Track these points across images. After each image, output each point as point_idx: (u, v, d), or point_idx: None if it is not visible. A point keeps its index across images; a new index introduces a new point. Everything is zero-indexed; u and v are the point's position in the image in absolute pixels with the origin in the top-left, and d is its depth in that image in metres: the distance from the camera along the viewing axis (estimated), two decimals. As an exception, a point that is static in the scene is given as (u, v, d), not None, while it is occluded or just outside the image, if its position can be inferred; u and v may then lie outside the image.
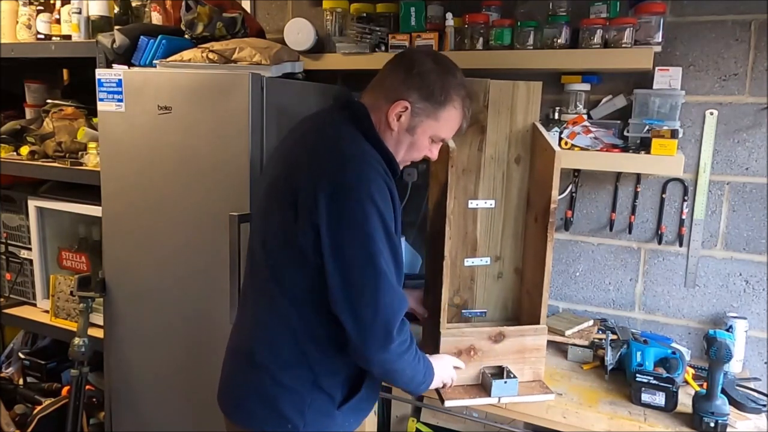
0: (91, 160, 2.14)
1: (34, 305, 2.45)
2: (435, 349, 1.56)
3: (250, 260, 1.40)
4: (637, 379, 1.55)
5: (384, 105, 1.32)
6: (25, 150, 2.33)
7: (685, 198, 1.86)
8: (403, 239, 2.15)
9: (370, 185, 1.18)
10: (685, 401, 1.54)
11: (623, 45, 1.67)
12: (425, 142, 1.36)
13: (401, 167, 1.39)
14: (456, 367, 1.52)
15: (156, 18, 2.19)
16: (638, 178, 1.91)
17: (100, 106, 1.90)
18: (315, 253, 1.20)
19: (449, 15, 1.90)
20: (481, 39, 1.85)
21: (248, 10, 2.38)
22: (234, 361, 1.40)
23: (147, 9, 2.24)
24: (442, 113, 1.33)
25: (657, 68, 1.77)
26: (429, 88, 1.30)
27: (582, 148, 1.75)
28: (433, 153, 1.41)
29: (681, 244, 1.89)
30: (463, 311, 1.79)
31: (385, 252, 1.19)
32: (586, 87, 1.88)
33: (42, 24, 2.37)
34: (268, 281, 1.31)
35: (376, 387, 1.45)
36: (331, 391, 1.31)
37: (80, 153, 2.21)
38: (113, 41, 1.98)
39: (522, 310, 1.76)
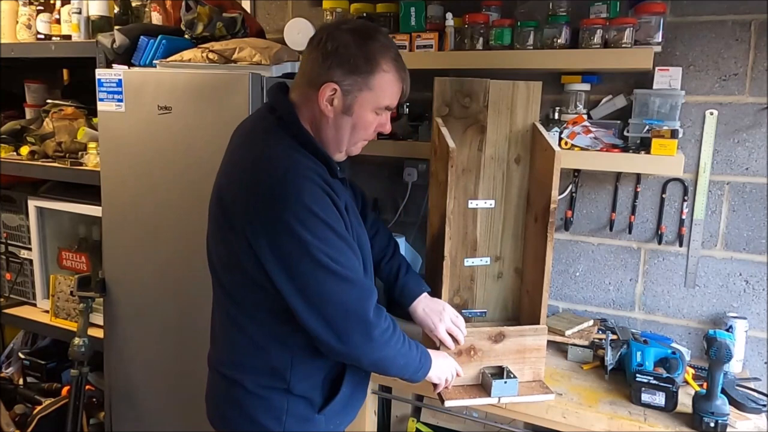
0: (91, 160, 2.14)
1: (34, 305, 2.45)
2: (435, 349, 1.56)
3: (211, 273, 1.36)
4: (637, 379, 1.55)
5: (312, 94, 1.23)
6: (25, 150, 2.33)
7: (685, 198, 1.86)
8: (402, 239, 2.15)
9: (303, 198, 1.13)
10: (685, 401, 1.54)
11: (623, 45, 1.67)
12: (369, 118, 1.26)
13: (356, 150, 1.34)
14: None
15: (156, 18, 2.19)
16: (638, 178, 1.91)
17: (100, 106, 1.90)
18: (261, 275, 1.17)
19: (449, 15, 1.90)
20: (481, 39, 1.85)
21: (248, 10, 2.38)
22: (211, 374, 1.39)
23: (147, 9, 2.24)
24: (373, 82, 1.22)
25: (657, 68, 1.77)
26: (351, 61, 1.20)
27: (582, 148, 1.75)
28: (386, 126, 1.31)
29: (681, 244, 1.89)
30: (463, 311, 1.79)
31: (334, 254, 1.15)
32: (586, 87, 1.88)
33: (42, 24, 2.37)
34: (225, 297, 1.30)
35: (360, 386, 1.41)
36: (308, 395, 1.28)
37: (80, 153, 2.21)
38: (113, 41, 1.98)
39: (522, 310, 1.76)
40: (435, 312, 1.51)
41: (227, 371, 1.32)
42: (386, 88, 1.25)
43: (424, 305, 1.52)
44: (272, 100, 1.30)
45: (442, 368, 1.42)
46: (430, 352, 1.40)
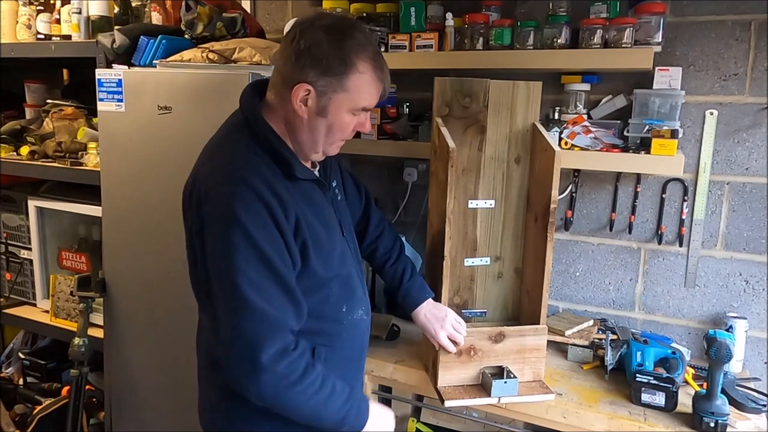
0: (91, 160, 2.14)
1: (34, 305, 2.45)
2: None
3: None
4: (637, 379, 1.55)
5: (286, 93, 1.17)
6: (25, 150, 2.33)
7: (685, 198, 1.86)
8: (402, 239, 2.14)
9: (235, 209, 1.09)
10: (685, 401, 1.54)
11: (623, 45, 1.67)
12: (345, 119, 1.21)
13: (334, 150, 1.28)
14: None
15: (156, 18, 2.19)
16: (638, 178, 1.91)
17: (100, 106, 1.90)
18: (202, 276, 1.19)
19: (449, 15, 1.90)
20: (481, 39, 1.85)
21: (248, 10, 2.37)
22: (198, 377, 1.38)
23: (147, 9, 2.24)
24: (348, 83, 1.16)
25: (657, 68, 1.77)
26: (324, 62, 1.14)
27: (582, 148, 1.75)
28: (365, 125, 1.26)
29: (681, 244, 1.89)
30: (463, 311, 1.79)
31: (250, 273, 1.09)
32: (586, 87, 1.88)
33: (42, 24, 2.37)
34: (197, 300, 1.30)
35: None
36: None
37: (80, 153, 2.21)
38: (113, 41, 1.98)
39: (522, 310, 1.76)
40: (437, 319, 1.52)
41: (206, 372, 1.32)
42: (363, 89, 1.19)
43: (427, 311, 1.53)
44: (241, 98, 1.27)
45: (380, 427, 1.31)
46: (373, 407, 1.29)
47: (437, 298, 1.58)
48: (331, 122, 1.20)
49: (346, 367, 1.33)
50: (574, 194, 2.00)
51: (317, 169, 1.33)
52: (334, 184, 1.37)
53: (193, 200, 1.18)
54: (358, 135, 1.81)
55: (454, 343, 1.53)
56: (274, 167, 1.18)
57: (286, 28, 2.05)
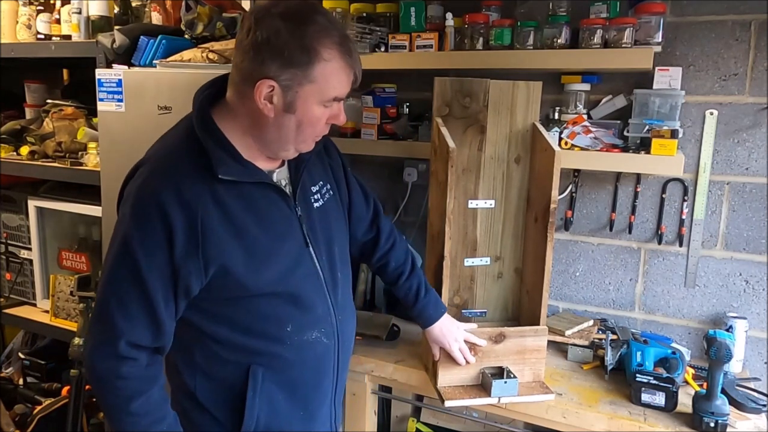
0: (91, 160, 2.14)
1: (34, 305, 2.45)
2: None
3: None
4: (637, 379, 1.55)
5: (248, 91, 1.08)
6: (25, 150, 2.33)
7: (685, 198, 1.86)
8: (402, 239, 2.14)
9: (129, 209, 1.08)
10: (685, 401, 1.54)
11: (623, 45, 1.67)
12: (316, 113, 1.11)
13: (309, 147, 1.18)
14: None
15: (156, 18, 2.19)
16: (638, 178, 1.91)
17: (100, 106, 1.90)
18: None
19: (449, 15, 1.90)
20: (481, 39, 1.85)
21: (248, 10, 2.37)
22: None
23: (147, 9, 2.24)
24: (314, 73, 1.06)
25: (657, 68, 1.77)
26: (286, 53, 1.04)
27: (582, 148, 1.75)
28: (338, 117, 1.15)
29: (681, 244, 1.89)
30: (463, 311, 1.79)
31: (119, 285, 1.08)
32: (586, 87, 1.88)
33: (42, 24, 2.37)
34: None
35: (302, 419, 1.25)
36: (216, 414, 1.20)
37: (80, 153, 2.21)
38: (113, 41, 1.98)
39: (522, 310, 1.76)
40: (451, 334, 1.52)
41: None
42: (330, 78, 1.08)
43: (442, 326, 1.52)
44: (194, 95, 1.18)
45: None
46: None
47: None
48: (300, 118, 1.10)
49: (298, 392, 1.24)
50: (574, 194, 2.00)
51: (283, 167, 1.23)
52: (313, 189, 1.27)
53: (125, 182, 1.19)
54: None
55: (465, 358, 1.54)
56: (201, 166, 1.09)
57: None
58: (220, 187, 1.09)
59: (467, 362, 1.54)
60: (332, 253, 1.28)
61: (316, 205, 1.26)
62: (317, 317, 1.23)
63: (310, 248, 1.22)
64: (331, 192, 1.33)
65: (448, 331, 1.52)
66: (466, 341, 1.54)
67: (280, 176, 1.22)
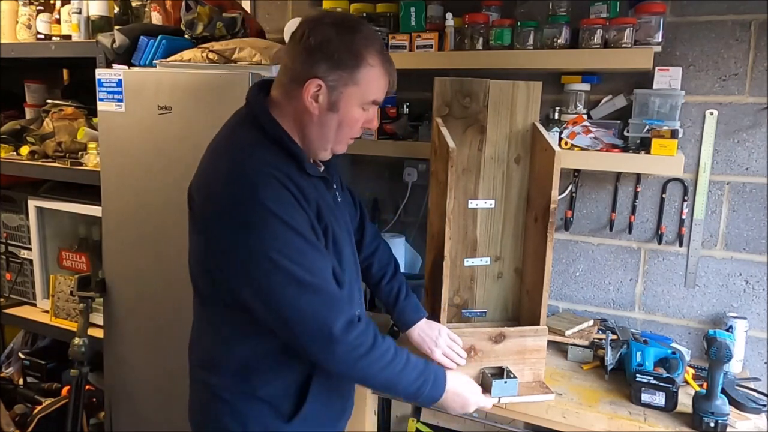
0: (91, 160, 2.14)
1: (34, 305, 2.45)
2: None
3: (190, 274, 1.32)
4: (637, 379, 1.55)
5: (296, 90, 1.17)
6: (25, 150, 2.33)
7: (685, 198, 1.86)
8: (402, 239, 2.15)
9: (264, 199, 1.09)
10: (685, 401, 1.54)
11: (623, 45, 1.67)
12: (355, 114, 1.21)
13: (342, 149, 1.27)
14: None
15: (156, 18, 2.19)
16: (638, 178, 1.91)
17: (100, 106, 1.90)
18: (224, 275, 1.16)
19: (449, 15, 1.90)
20: (481, 39, 1.85)
21: (248, 10, 2.37)
22: (190, 378, 1.37)
23: (147, 9, 2.24)
24: (359, 76, 1.17)
25: (657, 68, 1.77)
26: (336, 56, 1.15)
27: (582, 148, 1.75)
28: (372, 121, 1.26)
29: (681, 244, 1.89)
30: (463, 311, 1.79)
31: (295, 256, 1.10)
32: (586, 87, 1.88)
33: (42, 24, 2.37)
34: (198, 296, 1.28)
35: (335, 395, 1.33)
36: (274, 402, 1.23)
37: (80, 153, 2.21)
38: (113, 41, 1.98)
39: (522, 310, 1.76)
40: (430, 338, 1.52)
41: (198, 372, 1.30)
42: (372, 83, 1.19)
43: (420, 330, 1.53)
44: (248, 95, 1.26)
45: (458, 401, 1.33)
46: (451, 378, 1.31)
47: (437, 298, 1.58)
48: (341, 118, 1.20)
49: (337, 379, 1.33)
50: (574, 194, 2.00)
51: (321, 168, 1.33)
52: (335, 186, 1.36)
53: (206, 199, 1.16)
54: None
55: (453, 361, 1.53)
56: (287, 163, 1.17)
57: (288, 28, 2.06)
58: (300, 180, 1.17)
59: (457, 364, 1.53)
60: (353, 242, 1.40)
61: (339, 200, 1.37)
62: (357, 298, 1.35)
63: (348, 237, 1.35)
64: (341, 189, 1.43)
65: (427, 335, 1.52)
66: (465, 347, 1.54)
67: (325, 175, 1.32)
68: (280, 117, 1.21)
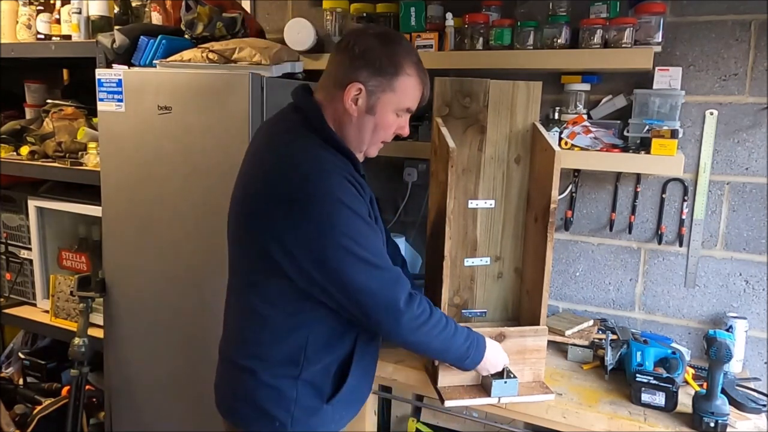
0: (91, 160, 2.14)
1: (34, 305, 2.45)
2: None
3: (230, 264, 1.39)
4: (637, 379, 1.55)
5: (338, 93, 1.28)
6: (25, 150, 2.33)
7: (685, 198, 1.86)
8: (402, 239, 2.15)
9: (334, 191, 1.19)
10: (685, 401, 1.54)
11: (623, 45, 1.67)
12: (390, 119, 1.31)
13: (374, 152, 1.38)
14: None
15: (156, 18, 2.19)
16: (638, 178, 1.91)
17: (100, 106, 1.90)
18: (291, 265, 1.21)
19: (449, 15, 1.90)
20: (481, 39, 1.85)
21: (248, 10, 2.37)
22: (222, 364, 1.42)
23: (147, 9, 2.24)
24: (397, 83, 1.28)
25: (657, 68, 1.77)
26: (377, 63, 1.26)
27: (582, 148, 1.75)
28: (404, 128, 1.36)
29: (681, 244, 1.89)
30: (463, 311, 1.79)
31: (363, 241, 1.21)
32: (586, 87, 1.88)
33: (42, 24, 2.37)
34: (247, 287, 1.32)
35: (366, 376, 1.44)
36: (317, 383, 1.31)
37: (80, 153, 2.21)
38: (113, 41, 1.98)
39: (522, 310, 1.76)
40: None
41: (241, 361, 1.33)
42: (408, 91, 1.30)
43: None
44: (297, 100, 1.34)
45: (492, 362, 1.46)
46: (487, 342, 1.44)
47: (437, 298, 1.58)
48: (377, 121, 1.29)
49: (377, 354, 1.46)
50: (574, 194, 2.00)
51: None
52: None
53: (269, 199, 1.22)
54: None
55: None
56: (345, 162, 1.27)
57: (287, 28, 2.06)
58: (357, 177, 1.28)
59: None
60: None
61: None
62: (406, 279, 1.37)
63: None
64: None
65: None
66: None
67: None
68: (325, 119, 1.31)
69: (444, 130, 1.57)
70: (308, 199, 1.18)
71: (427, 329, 1.28)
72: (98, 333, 2.10)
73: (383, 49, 1.27)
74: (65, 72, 2.81)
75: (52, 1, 2.39)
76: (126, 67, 1.94)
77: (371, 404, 1.85)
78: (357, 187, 1.24)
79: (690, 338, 1.92)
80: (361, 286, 1.21)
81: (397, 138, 1.98)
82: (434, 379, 1.58)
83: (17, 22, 2.40)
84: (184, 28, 1.98)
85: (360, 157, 1.34)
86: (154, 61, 1.93)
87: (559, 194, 1.88)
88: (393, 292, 1.23)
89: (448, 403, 1.52)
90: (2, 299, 2.49)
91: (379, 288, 1.22)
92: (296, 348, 1.28)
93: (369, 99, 1.27)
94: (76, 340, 2.08)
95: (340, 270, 1.19)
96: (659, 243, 1.91)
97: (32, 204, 2.34)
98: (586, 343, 1.80)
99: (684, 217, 1.87)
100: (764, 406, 1.55)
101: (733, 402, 1.53)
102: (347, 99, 1.26)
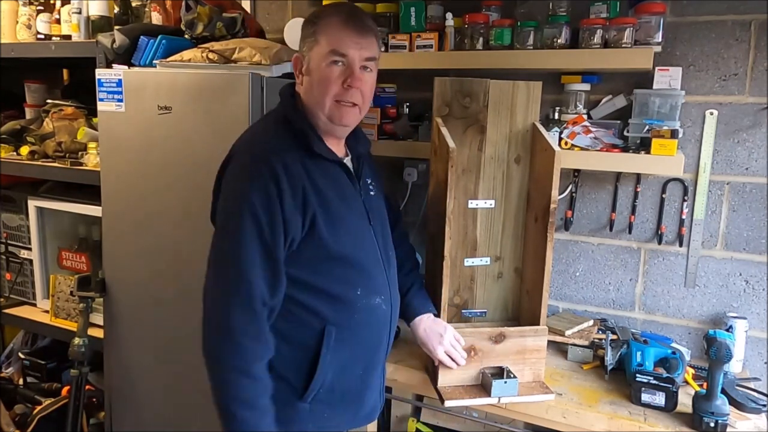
0: (91, 160, 2.14)
1: (34, 305, 2.45)
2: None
3: None
4: (637, 379, 1.55)
5: (296, 72, 1.36)
6: (25, 150, 2.33)
7: (685, 198, 1.86)
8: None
9: (245, 177, 1.24)
10: (685, 401, 1.54)
11: (623, 45, 1.67)
12: (324, 71, 1.28)
13: (339, 116, 1.30)
14: None
15: (156, 18, 2.19)
16: (638, 178, 1.91)
17: (100, 106, 1.90)
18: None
19: (449, 15, 1.90)
20: (481, 39, 1.85)
21: (248, 10, 2.37)
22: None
23: (147, 9, 2.24)
24: (319, 34, 1.29)
25: (657, 68, 1.77)
26: (304, 28, 1.33)
27: (582, 148, 1.75)
28: (354, 81, 1.28)
29: (681, 244, 1.89)
30: (463, 311, 1.79)
31: (230, 243, 1.24)
32: (586, 87, 1.88)
33: (42, 24, 2.37)
34: None
35: (350, 376, 1.36)
36: (290, 379, 1.30)
37: (80, 153, 2.21)
38: (113, 41, 1.98)
39: (522, 310, 1.76)
40: (435, 334, 1.52)
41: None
42: (329, 35, 1.28)
43: (426, 326, 1.53)
44: (280, 90, 1.41)
45: None
46: None
47: (437, 298, 1.58)
48: (314, 77, 1.30)
49: (360, 352, 1.38)
50: (574, 194, 2.00)
51: (348, 157, 1.41)
52: (368, 181, 1.44)
53: (222, 168, 1.33)
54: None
55: (454, 360, 1.53)
56: (295, 144, 1.29)
57: (287, 28, 2.06)
58: (309, 162, 1.29)
59: (458, 364, 1.53)
60: (385, 236, 1.45)
61: (371, 194, 1.44)
62: (379, 285, 1.38)
63: (371, 226, 1.39)
64: (378, 189, 1.49)
65: (432, 331, 1.52)
66: (465, 347, 1.54)
67: (348, 164, 1.40)
68: (297, 102, 1.36)
69: (444, 130, 1.57)
70: (228, 178, 1.29)
71: (221, 368, 1.22)
72: (98, 333, 2.10)
73: (310, 15, 1.34)
74: (65, 72, 2.81)
75: (52, 1, 2.39)
76: (126, 67, 1.94)
77: (371, 404, 1.85)
78: (279, 177, 1.22)
79: (690, 338, 1.92)
80: (215, 259, 1.26)
81: (397, 138, 2.01)
82: (434, 379, 1.58)
83: (17, 22, 2.40)
84: (184, 28, 1.98)
85: (331, 126, 1.32)
86: (154, 61, 1.93)
87: (559, 194, 1.88)
88: (227, 302, 1.22)
89: (448, 403, 1.52)
90: (2, 299, 2.49)
91: (222, 280, 1.24)
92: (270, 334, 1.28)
93: (305, 62, 1.32)
94: (76, 340, 2.08)
95: (213, 241, 1.28)
96: (659, 243, 1.91)
97: (32, 204, 2.34)
98: (586, 343, 1.80)
99: (684, 217, 1.87)
100: (764, 406, 1.55)
101: (733, 402, 1.53)
102: (297, 73, 1.34)
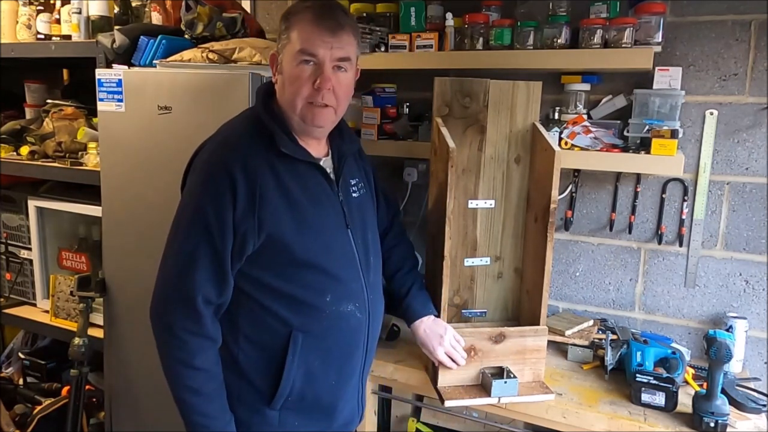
0: (91, 160, 2.14)
1: (34, 305, 2.45)
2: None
3: None
4: (637, 379, 1.55)
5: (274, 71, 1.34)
6: (25, 150, 2.33)
7: (685, 198, 1.86)
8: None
9: (201, 177, 1.25)
10: (685, 401, 1.54)
11: (623, 45, 1.67)
12: (294, 70, 1.24)
13: (312, 116, 1.26)
14: None
15: (156, 18, 2.19)
16: (638, 178, 1.91)
17: (100, 106, 1.90)
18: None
19: (449, 15, 1.90)
20: (481, 39, 1.85)
21: (248, 10, 2.38)
22: None
23: (147, 9, 2.24)
24: (291, 33, 1.25)
25: (657, 68, 1.77)
26: (280, 25, 1.30)
27: (582, 148, 1.75)
28: (323, 82, 1.23)
29: (681, 244, 1.89)
30: (463, 311, 1.79)
31: (183, 238, 1.26)
32: (586, 87, 1.88)
33: (42, 24, 2.37)
34: None
35: (321, 384, 1.32)
36: (254, 380, 1.29)
37: (80, 153, 2.21)
38: (113, 41, 1.98)
39: (522, 310, 1.76)
40: (435, 335, 1.52)
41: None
42: (299, 33, 1.24)
43: (426, 326, 1.53)
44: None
45: None
46: None
47: (437, 298, 1.58)
48: (285, 76, 1.27)
49: (331, 361, 1.33)
50: (574, 194, 2.00)
51: (328, 157, 1.36)
52: (352, 182, 1.40)
53: (188, 166, 1.34)
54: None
55: (454, 361, 1.53)
56: (263, 144, 1.25)
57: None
58: (278, 162, 1.25)
59: (458, 364, 1.53)
60: (366, 239, 1.39)
61: (354, 195, 1.39)
62: (352, 291, 1.33)
63: (348, 230, 1.34)
64: (365, 189, 1.45)
65: (432, 332, 1.52)
66: (465, 347, 1.54)
67: (326, 165, 1.35)
68: (271, 101, 1.33)
69: (444, 130, 1.57)
70: (189, 176, 1.30)
71: (170, 356, 1.26)
72: (98, 333, 2.10)
73: (285, 10, 1.30)
74: (65, 72, 2.81)
75: (52, 1, 2.39)
76: (126, 67, 1.94)
77: (371, 404, 1.85)
78: (235, 178, 1.20)
79: (690, 338, 1.92)
80: (164, 253, 1.27)
81: (397, 138, 2.01)
82: (434, 379, 1.58)
83: (17, 22, 2.39)
84: (184, 28, 1.98)
85: (305, 126, 1.28)
86: (154, 61, 1.93)
87: (559, 194, 1.88)
88: (170, 300, 1.24)
89: (448, 403, 1.52)
90: (2, 299, 2.49)
91: (166, 276, 1.25)
92: (230, 337, 1.29)
93: (280, 62, 1.29)
94: (76, 340, 2.08)
95: (168, 237, 1.30)
96: (659, 243, 1.91)
97: (32, 204, 2.34)
98: (586, 343, 1.80)
99: (684, 217, 1.87)
100: (764, 406, 1.55)
101: (733, 402, 1.53)
102: (273, 72, 1.32)
